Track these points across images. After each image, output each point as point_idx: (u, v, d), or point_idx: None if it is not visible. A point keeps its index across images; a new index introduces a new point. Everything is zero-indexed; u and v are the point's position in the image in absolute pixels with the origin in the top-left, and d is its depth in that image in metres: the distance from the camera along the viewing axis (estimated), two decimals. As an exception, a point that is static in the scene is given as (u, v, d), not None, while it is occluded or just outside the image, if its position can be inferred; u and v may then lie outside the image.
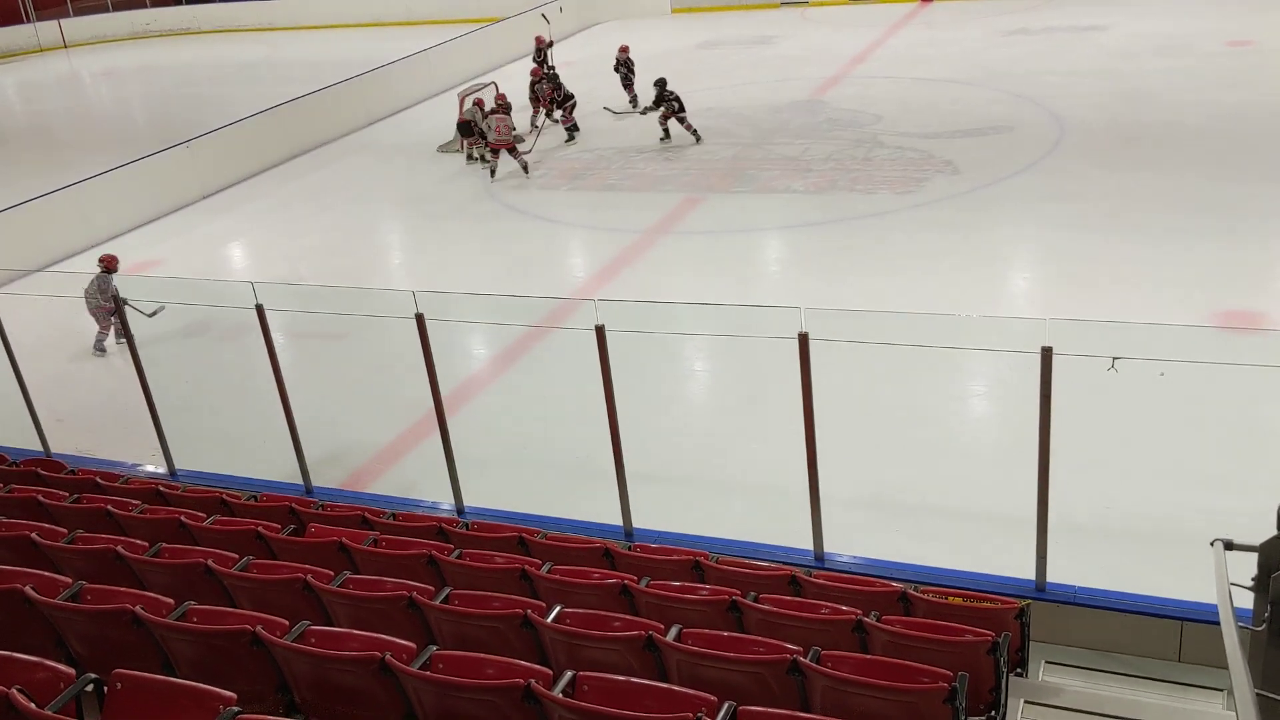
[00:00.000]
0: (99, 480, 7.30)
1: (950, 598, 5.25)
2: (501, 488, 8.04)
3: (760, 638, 4.45)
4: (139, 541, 5.62)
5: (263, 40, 32.82)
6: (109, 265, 11.35)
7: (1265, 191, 12.30)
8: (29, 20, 34.84)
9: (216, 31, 35.09)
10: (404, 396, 9.65)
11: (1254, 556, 4.30)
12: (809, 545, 6.55)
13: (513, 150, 16.00)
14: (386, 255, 14.38)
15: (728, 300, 10.15)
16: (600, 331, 6.49)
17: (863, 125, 16.53)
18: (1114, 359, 5.58)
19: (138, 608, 4.42)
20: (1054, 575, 6.07)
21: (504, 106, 16.22)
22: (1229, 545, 4.45)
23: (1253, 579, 4.27)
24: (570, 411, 9.17)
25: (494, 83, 18.23)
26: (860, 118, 16.96)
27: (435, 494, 7.82)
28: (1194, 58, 18.42)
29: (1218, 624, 3.88)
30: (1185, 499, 7.27)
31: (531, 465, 8.70)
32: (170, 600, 4.61)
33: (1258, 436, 7.86)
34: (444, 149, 18.03)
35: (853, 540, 6.70)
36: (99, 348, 11.39)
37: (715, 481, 8.23)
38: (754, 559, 6.16)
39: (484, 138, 16.27)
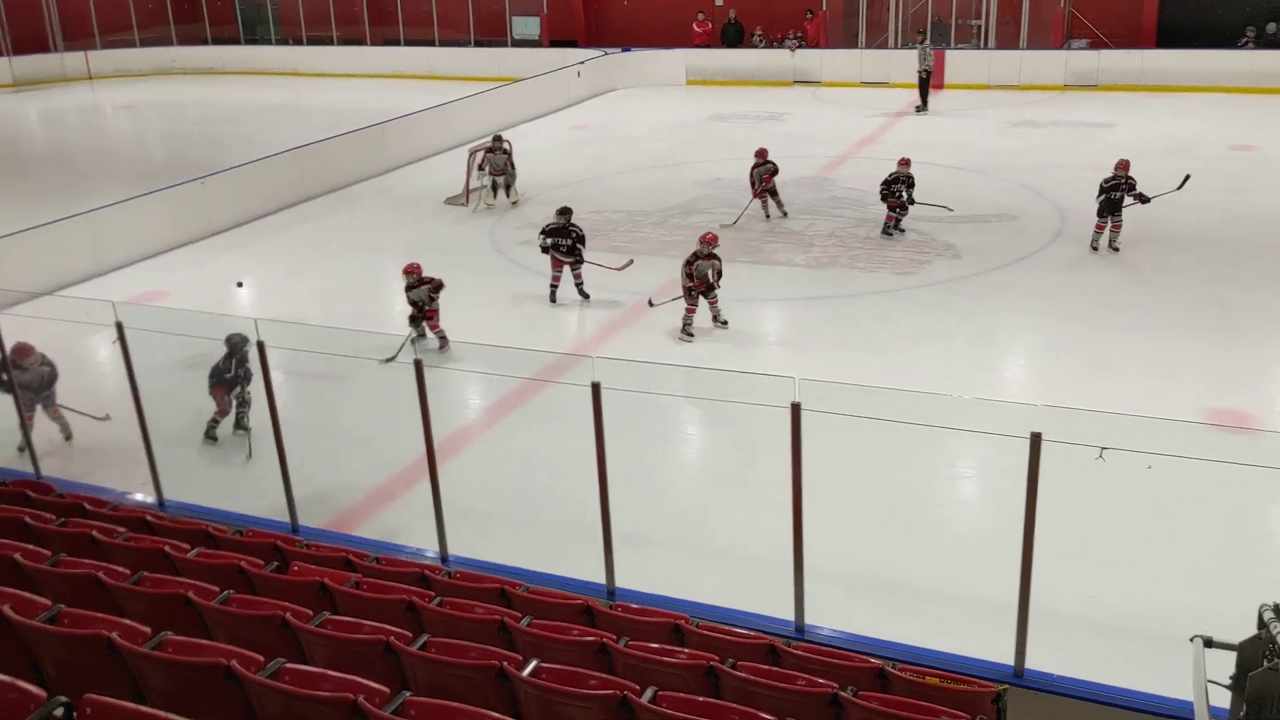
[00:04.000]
0: (86, 505, 7.30)
1: (928, 677, 5.23)
2: (487, 538, 8.04)
3: (736, 705, 4.44)
4: (121, 569, 5.62)
5: (285, 85, 33.28)
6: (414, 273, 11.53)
7: (1262, 295, 12.45)
8: (56, 50, 35.35)
9: (240, 73, 35.59)
10: (396, 441, 9.67)
11: (1233, 655, 4.32)
12: (790, 615, 6.54)
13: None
14: (390, 301, 14.47)
15: (724, 367, 10.21)
16: (596, 388, 6.54)
17: (867, 205, 16.73)
18: (1102, 449, 5.63)
19: (114, 634, 4.41)
20: (1033, 662, 6.05)
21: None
22: (1209, 642, 4.47)
23: (1231, 677, 4.28)
24: (560, 467, 9.20)
25: (508, 141, 18.45)
26: (865, 198, 17.16)
27: (421, 540, 7.81)
28: (1197, 159, 18.69)
29: None
30: (1168, 594, 7.27)
31: (518, 518, 8.69)
32: (147, 629, 4.60)
33: (1242, 536, 7.88)
34: (450, 201, 18.26)
35: (834, 613, 6.69)
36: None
37: (701, 546, 8.23)
38: (735, 626, 6.15)
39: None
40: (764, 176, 16.08)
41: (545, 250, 12.99)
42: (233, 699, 4.23)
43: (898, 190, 15.08)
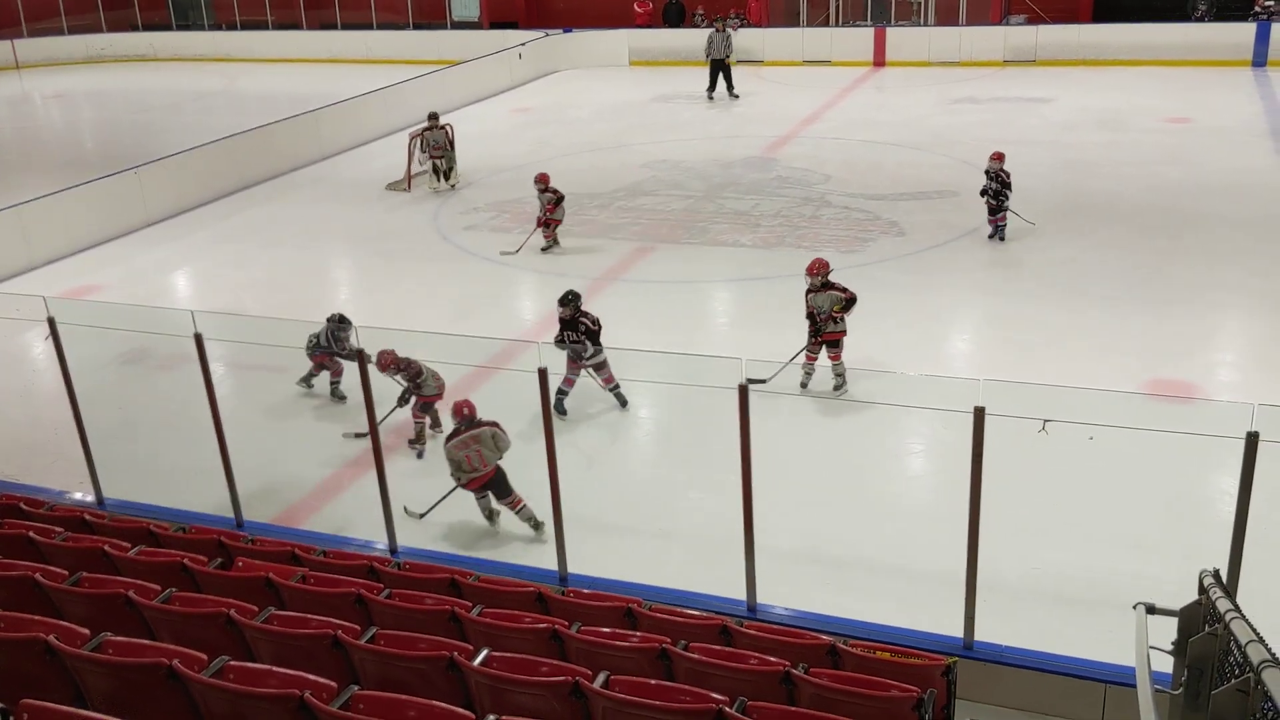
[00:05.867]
0: (23, 506, 7.14)
1: (878, 652, 5.26)
2: (437, 529, 7.97)
3: (688, 686, 4.44)
4: (59, 569, 5.49)
5: (219, 71, 32.66)
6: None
7: (1200, 264, 12.67)
8: (-19, 39, 34.42)
9: (172, 60, 34.85)
10: (342, 433, 9.55)
11: (1175, 621, 4.39)
12: (742, 595, 6.56)
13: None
14: (333, 291, 14.28)
15: (673, 349, 10.18)
16: (543, 374, 6.50)
17: (811, 184, 16.79)
18: (1044, 421, 5.69)
19: (51, 637, 4.30)
20: (982, 634, 6.12)
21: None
22: (1151, 609, 4.53)
23: (1172, 643, 4.35)
24: (511, 454, 9.12)
25: (448, 125, 18.27)
26: (809, 176, 17.23)
27: (369, 533, 7.72)
28: (1135, 133, 19.00)
29: (1136, 686, 3.94)
30: (1113, 563, 7.38)
31: (470, 506, 8.62)
32: (86, 631, 4.50)
33: (1183, 503, 8.02)
34: (392, 187, 18.05)
35: (786, 592, 6.72)
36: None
37: (654, 529, 8.21)
38: (687, 607, 6.15)
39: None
40: (547, 206, 13.92)
41: (562, 346, 9.91)
42: (176, 699, 4.15)
43: (987, 188, 13.47)
